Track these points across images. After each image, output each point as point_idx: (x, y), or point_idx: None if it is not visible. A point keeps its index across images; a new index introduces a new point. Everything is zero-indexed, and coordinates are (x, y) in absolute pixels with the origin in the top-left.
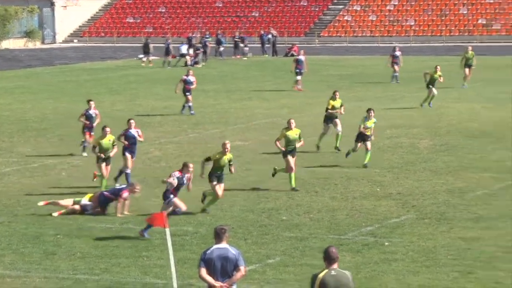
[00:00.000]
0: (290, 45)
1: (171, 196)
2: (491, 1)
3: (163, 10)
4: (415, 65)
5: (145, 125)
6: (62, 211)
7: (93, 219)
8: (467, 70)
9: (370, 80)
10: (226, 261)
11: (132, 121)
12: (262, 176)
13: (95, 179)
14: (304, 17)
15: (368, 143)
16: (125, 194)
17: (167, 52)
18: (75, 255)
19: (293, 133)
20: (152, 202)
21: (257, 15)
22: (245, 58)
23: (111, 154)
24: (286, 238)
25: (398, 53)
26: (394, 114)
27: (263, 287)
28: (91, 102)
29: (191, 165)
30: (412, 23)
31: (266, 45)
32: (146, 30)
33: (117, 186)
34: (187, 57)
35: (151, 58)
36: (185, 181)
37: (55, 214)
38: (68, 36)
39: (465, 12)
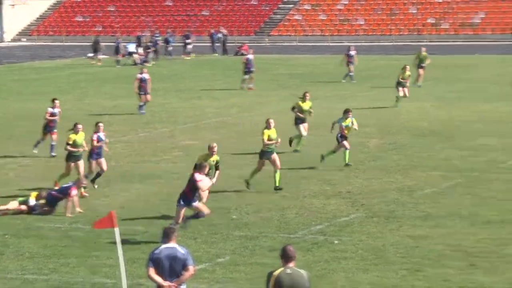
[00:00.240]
0: (240, 44)
1: (195, 199)
2: (440, 1)
3: (113, 9)
4: (365, 64)
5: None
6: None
7: (41, 219)
8: (420, 70)
9: (320, 79)
10: (174, 260)
11: (100, 124)
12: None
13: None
14: (254, 16)
15: (346, 143)
16: (74, 191)
17: (117, 51)
18: (24, 255)
19: (273, 133)
20: (101, 201)
21: (207, 14)
22: (188, 58)
23: (81, 149)
24: (236, 237)
25: (352, 52)
26: None
27: (212, 286)
28: (56, 101)
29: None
30: (362, 23)
31: (216, 44)
32: (95, 29)
33: (67, 184)
34: (136, 56)
35: (100, 57)
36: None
37: None
38: (17, 35)
39: (414, 11)
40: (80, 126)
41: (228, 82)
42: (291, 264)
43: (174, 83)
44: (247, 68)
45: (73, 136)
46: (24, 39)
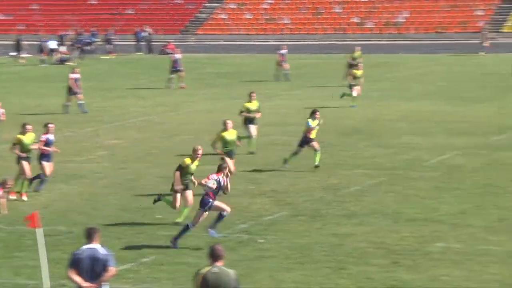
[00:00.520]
0: (165, 43)
1: (211, 200)
2: (365, 0)
3: (36, 7)
4: (290, 63)
5: (18, 124)
6: None
7: None
8: (353, 69)
9: (246, 78)
10: (95, 261)
11: (50, 125)
12: (137, 175)
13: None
14: (180, 15)
15: (315, 144)
16: None
17: (41, 50)
18: None
19: (230, 135)
20: (23, 202)
21: (132, 12)
22: (107, 57)
23: (33, 146)
24: (161, 237)
25: (284, 51)
26: (269, 111)
27: (137, 286)
28: None
29: (227, 166)
30: (288, 22)
31: (141, 43)
32: (18, 28)
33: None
34: (59, 54)
35: (23, 55)
36: (222, 183)
37: None
38: None
39: (339, 11)
40: (29, 126)
41: (153, 81)
42: (219, 263)
43: (99, 82)
44: (174, 67)
45: (19, 138)
46: None
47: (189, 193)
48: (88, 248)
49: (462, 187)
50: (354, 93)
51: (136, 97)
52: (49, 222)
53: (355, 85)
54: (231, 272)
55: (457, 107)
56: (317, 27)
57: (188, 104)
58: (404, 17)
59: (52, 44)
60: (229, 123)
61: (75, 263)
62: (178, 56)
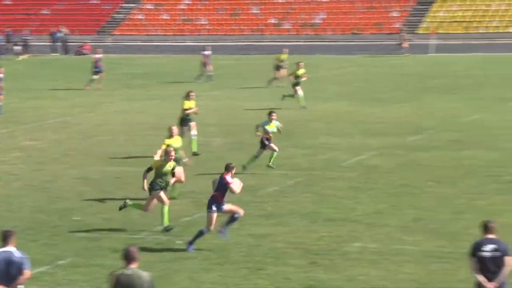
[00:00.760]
0: (82, 44)
1: (214, 202)
2: (282, 1)
3: None
4: None
5: None
6: None
7: None
8: (282, 71)
9: (163, 79)
10: (10, 264)
11: None
12: (54, 176)
13: None
14: (96, 15)
15: (273, 145)
16: None
17: None
18: None
19: (175, 142)
20: None
21: (48, 13)
22: (19, 59)
23: None
24: (78, 239)
25: (208, 52)
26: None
27: None
28: None
29: (235, 166)
30: (205, 22)
31: (57, 44)
32: None
33: None
34: None
35: None
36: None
37: None
38: None
39: (256, 11)
40: None
41: (70, 82)
42: (132, 266)
43: (15, 82)
44: (96, 67)
45: None
46: None
47: (163, 194)
48: (3, 251)
49: (378, 187)
50: (300, 93)
51: (53, 98)
52: None
53: (297, 85)
54: (144, 274)
55: (374, 107)
56: (235, 28)
57: (105, 105)
58: (321, 18)
59: None
60: (175, 129)
61: None
62: (99, 56)
